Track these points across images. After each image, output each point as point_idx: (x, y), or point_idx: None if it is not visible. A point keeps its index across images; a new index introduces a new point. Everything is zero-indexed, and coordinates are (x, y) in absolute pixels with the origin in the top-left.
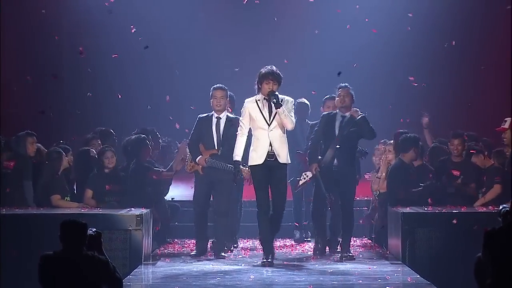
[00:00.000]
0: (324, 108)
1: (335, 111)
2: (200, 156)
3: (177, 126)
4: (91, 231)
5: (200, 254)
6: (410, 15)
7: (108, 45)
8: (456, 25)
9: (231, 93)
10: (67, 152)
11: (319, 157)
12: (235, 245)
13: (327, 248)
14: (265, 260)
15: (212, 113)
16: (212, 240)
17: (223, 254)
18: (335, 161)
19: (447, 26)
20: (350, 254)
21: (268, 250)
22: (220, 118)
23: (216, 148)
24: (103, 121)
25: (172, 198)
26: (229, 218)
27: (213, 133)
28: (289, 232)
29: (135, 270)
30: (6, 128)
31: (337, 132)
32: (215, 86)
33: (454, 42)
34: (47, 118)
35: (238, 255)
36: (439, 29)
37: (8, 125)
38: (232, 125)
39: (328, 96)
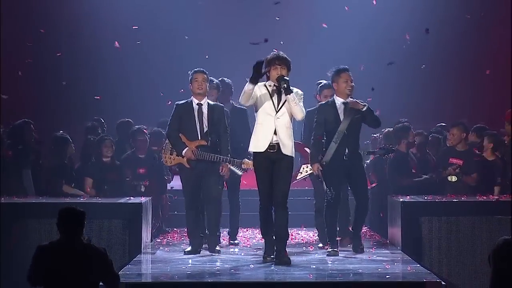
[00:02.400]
0: (321, 97)
1: (331, 99)
2: (187, 148)
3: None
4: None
5: (195, 251)
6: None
7: (108, 35)
8: (458, 16)
9: (229, 80)
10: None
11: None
12: (236, 242)
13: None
14: (266, 256)
15: (191, 99)
16: (206, 233)
17: (217, 248)
18: (346, 150)
19: (449, 18)
20: (361, 247)
21: (271, 246)
22: (202, 105)
23: (200, 138)
24: (104, 110)
25: (172, 187)
26: (220, 206)
27: (196, 122)
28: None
29: (134, 259)
30: (5, 117)
31: (341, 119)
32: (195, 69)
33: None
34: (46, 107)
35: (232, 244)
36: (440, 22)
37: (7, 114)
38: (215, 111)
39: (324, 83)
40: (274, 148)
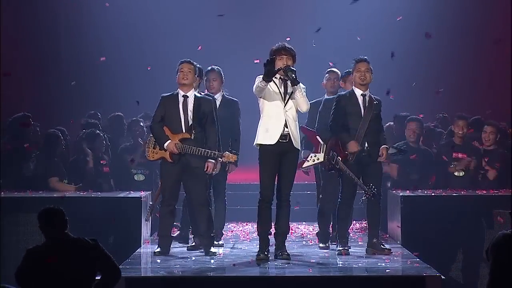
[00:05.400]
0: (346, 84)
1: (350, 90)
2: (169, 141)
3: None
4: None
5: (165, 252)
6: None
7: (109, 28)
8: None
9: (219, 68)
10: (64, 135)
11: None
12: (221, 243)
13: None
14: (261, 253)
15: (177, 91)
16: (199, 235)
17: (212, 250)
18: (366, 144)
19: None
20: (387, 248)
21: (265, 244)
22: (187, 97)
23: (184, 130)
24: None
25: None
26: (209, 207)
27: (180, 114)
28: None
29: (134, 253)
30: (5, 110)
31: (363, 113)
32: (181, 60)
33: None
34: (46, 100)
35: (231, 239)
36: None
37: (7, 107)
38: (202, 104)
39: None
40: (286, 138)
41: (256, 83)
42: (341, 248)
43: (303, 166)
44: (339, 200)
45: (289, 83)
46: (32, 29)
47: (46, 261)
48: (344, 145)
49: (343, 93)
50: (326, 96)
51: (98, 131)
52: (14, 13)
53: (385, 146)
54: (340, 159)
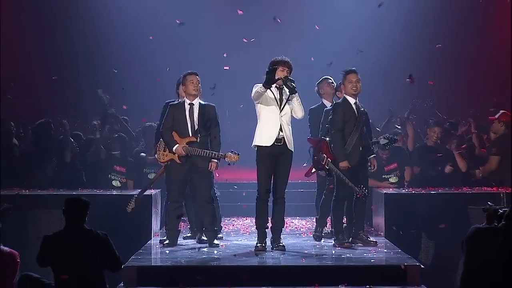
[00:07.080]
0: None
1: (343, 98)
2: (177, 145)
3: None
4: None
5: (173, 243)
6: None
7: (115, 32)
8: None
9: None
10: (79, 138)
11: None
12: (220, 236)
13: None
14: (259, 244)
15: (183, 99)
16: (203, 229)
17: (216, 242)
18: (360, 147)
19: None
20: (373, 240)
21: (263, 236)
22: (193, 105)
23: (190, 134)
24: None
25: None
26: (212, 203)
27: (187, 120)
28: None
29: (145, 245)
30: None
31: (357, 119)
32: (189, 72)
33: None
34: (59, 104)
35: (232, 232)
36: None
37: (28, 113)
38: (206, 110)
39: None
40: (281, 141)
41: (254, 89)
42: (336, 243)
43: (311, 171)
44: (333, 198)
45: (285, 90)
46: (48, 35)
47: (61, 250)
48: (337, 158)
49: (339, 101)
50: (323, 103)
51: (116, 134)
52: (29, 17)
53: (374, 156)
54: (330, 160)
